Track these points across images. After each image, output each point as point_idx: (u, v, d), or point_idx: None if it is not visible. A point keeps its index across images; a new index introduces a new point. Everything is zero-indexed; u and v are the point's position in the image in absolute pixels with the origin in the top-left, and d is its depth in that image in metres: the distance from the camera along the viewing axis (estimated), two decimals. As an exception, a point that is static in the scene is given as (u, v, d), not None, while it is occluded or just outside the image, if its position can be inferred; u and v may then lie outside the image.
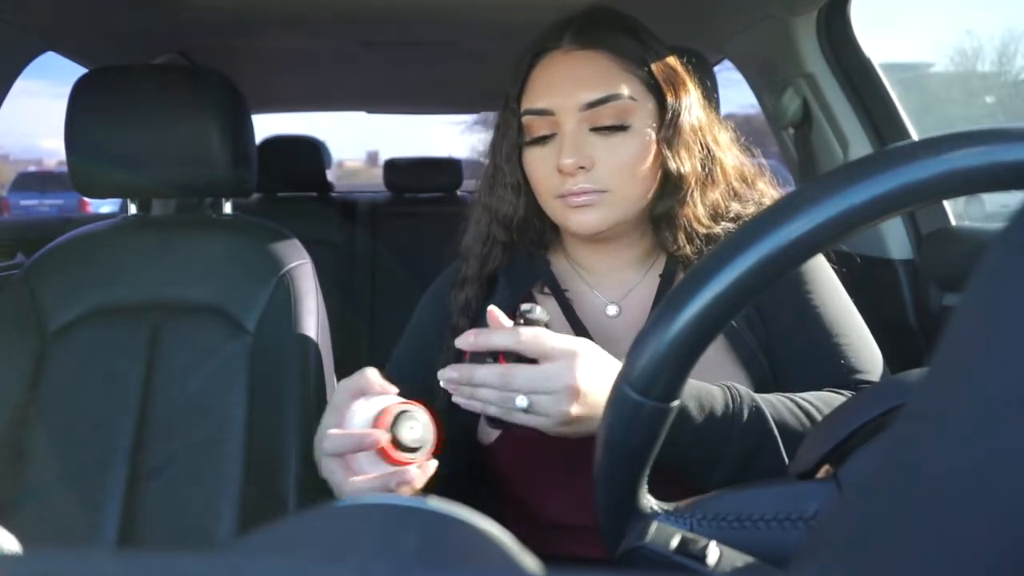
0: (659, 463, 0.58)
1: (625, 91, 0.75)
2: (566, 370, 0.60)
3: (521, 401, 0.60)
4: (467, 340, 0.62)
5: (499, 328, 0.63)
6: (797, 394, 0.68)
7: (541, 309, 0.63)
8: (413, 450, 0.59)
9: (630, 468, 0.44)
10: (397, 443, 0.58)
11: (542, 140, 0.77)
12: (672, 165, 0.75)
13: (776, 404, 0.65)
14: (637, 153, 0.75)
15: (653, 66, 0.76)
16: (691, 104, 0.77)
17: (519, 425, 0.62)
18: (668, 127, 0.75)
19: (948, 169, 0.36)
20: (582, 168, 0.74)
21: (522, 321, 0.63)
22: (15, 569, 0.19)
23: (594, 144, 0.75)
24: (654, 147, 0.76)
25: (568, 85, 0.75)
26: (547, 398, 0.60)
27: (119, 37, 1.45)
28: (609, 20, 0.79)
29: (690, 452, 0.62)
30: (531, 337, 0.61)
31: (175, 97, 1.06)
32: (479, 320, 0.83)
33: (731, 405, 0.63)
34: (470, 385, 0.62)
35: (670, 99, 0.76)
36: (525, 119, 0.78)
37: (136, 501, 0.95)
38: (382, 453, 0.59)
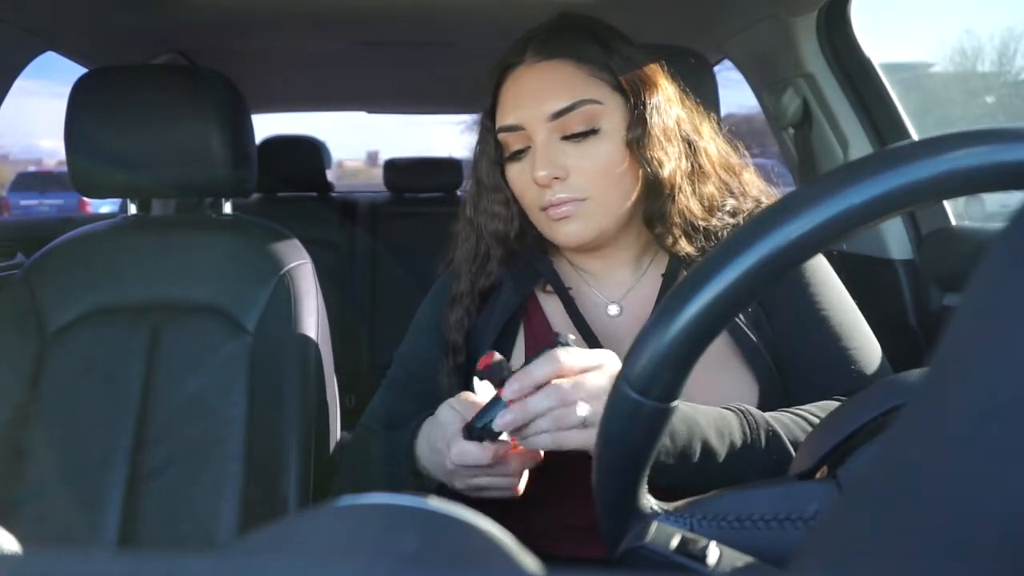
0: (683, 487, 0.58)
1: (591, 96, 0.74)
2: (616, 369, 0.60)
3: (582, 409, 0.59)
4: (513, 389, 0.61)
5: (537, 363, 0.61)
6: (803, 408, 0.68)
7: (575, 339, 0.64)
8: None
9: (630, 468, 0.44)
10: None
11: (519, 154, 0.78)
12: (648, 169, 0.75)
13: (789, 424, 0.65)
14: (611, 156, 0.74)
15: (617, 69, 0.76)
16: (660, 103, 0.76)
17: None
18: (635, 128, 0.75)
19: (948, 169, 0.35)
20: (557, 179, 0.74)
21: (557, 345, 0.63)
22: (15, 569, 0.19)
23: (567, 152, 0.74)
24: (628, 148, 0.75)
25: (534, 98, 0.75)
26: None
27: (119, 37, 1.45)
28: (571, 28, 0.78)
29: (715, 479, 0.62)
30: (569, 356, 0.60)
31: (175, 97, 1.06)
32: (474, 336, 0.83)
33: (748, 432, 0.63)
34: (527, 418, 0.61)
35: (634, 100, 0.75)
36: (500, 136, 0.79)
37: (136, 501, 0.94)
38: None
